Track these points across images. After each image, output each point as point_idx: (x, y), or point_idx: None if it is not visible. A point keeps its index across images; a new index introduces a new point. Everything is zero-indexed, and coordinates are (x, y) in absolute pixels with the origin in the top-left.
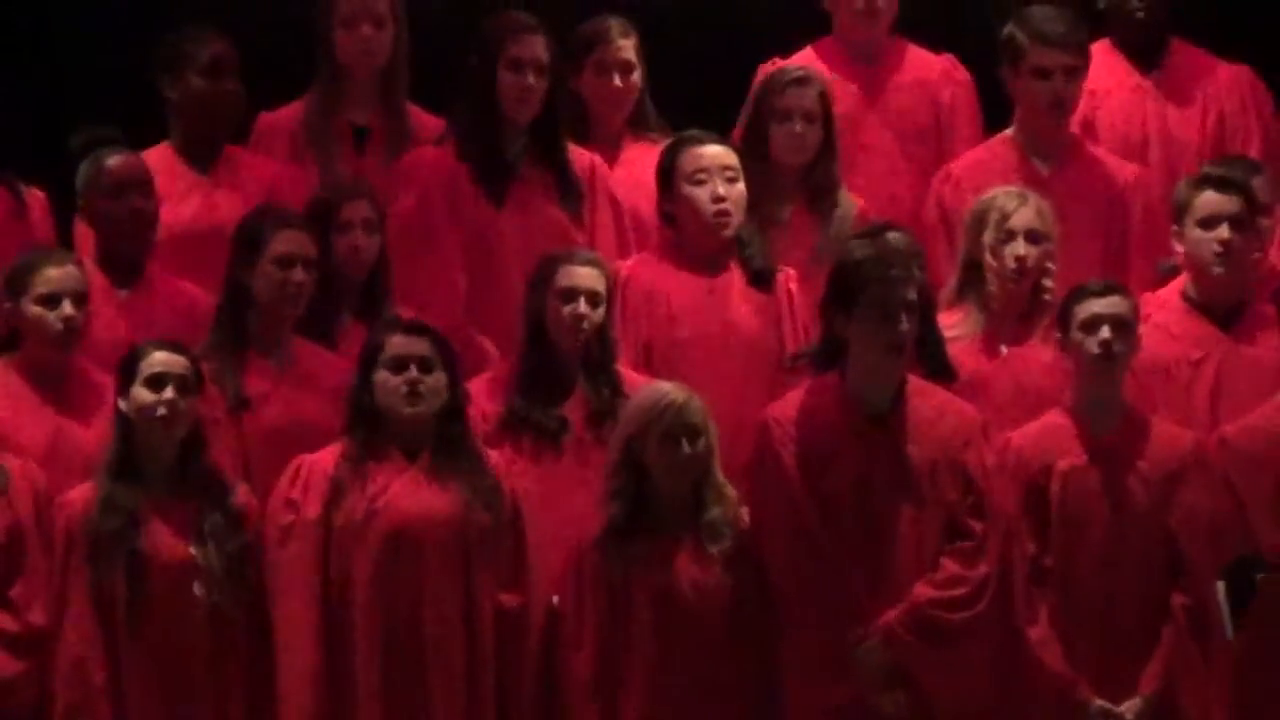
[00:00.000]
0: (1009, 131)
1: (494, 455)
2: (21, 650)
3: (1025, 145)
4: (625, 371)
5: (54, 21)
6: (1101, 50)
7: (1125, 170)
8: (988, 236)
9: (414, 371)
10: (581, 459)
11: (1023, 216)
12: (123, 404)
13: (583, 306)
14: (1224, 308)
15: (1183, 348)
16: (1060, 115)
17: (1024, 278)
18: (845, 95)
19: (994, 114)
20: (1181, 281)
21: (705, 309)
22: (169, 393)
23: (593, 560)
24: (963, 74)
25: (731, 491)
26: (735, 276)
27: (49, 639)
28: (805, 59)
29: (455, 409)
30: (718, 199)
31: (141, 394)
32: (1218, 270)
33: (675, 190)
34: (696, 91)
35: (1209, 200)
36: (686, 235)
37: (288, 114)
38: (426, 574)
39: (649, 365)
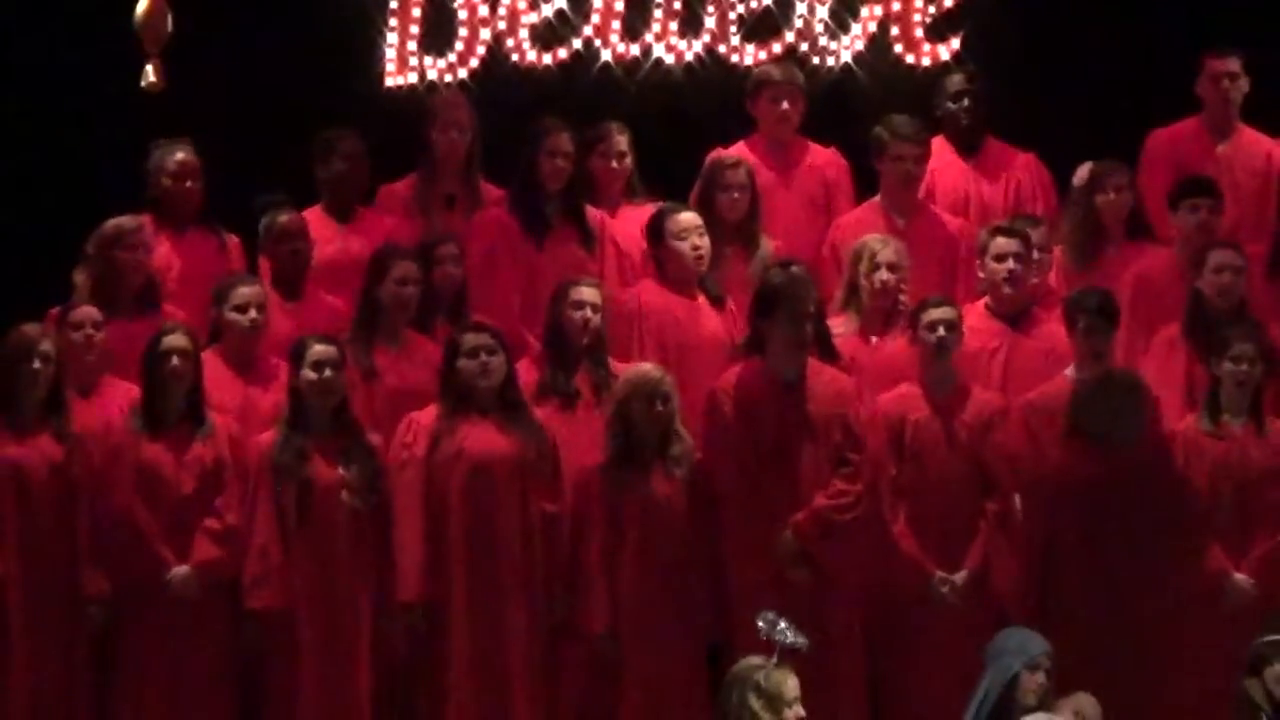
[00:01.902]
0: (876, 198)
1: (538, 410)
2: (222, 542)
3: (888, 207)
4: (611, 360)
5: (241, 122)
6: (938, 143)
7: (954, 223)
8: (862, 267)
9: (483, 357)
10: (588, 415)
11: (885, 254)
12: (294, 379)
13: (588, 313)
14: (1011, 313)
15: (986, 340)
16: (911, 187)
17: (886, 294)
18: (765, 173)
19: (863, 186)
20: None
21: (688, 319)
22: (327, 372)
23: (597, 481)
24: (841, 160)
25: (688, 436)
26: (702, 299)
27: (242, 534)
28: (739, 150)
29: (511, 381)
30: (696, 249)
31: (308, 374)
32: (1006, 290)
33: (665, 244)
34: (666, 170)
35: (999, 243)
36: (671, 272)
37: (401, 185)
38: (496, 492)
39: (664, 356)
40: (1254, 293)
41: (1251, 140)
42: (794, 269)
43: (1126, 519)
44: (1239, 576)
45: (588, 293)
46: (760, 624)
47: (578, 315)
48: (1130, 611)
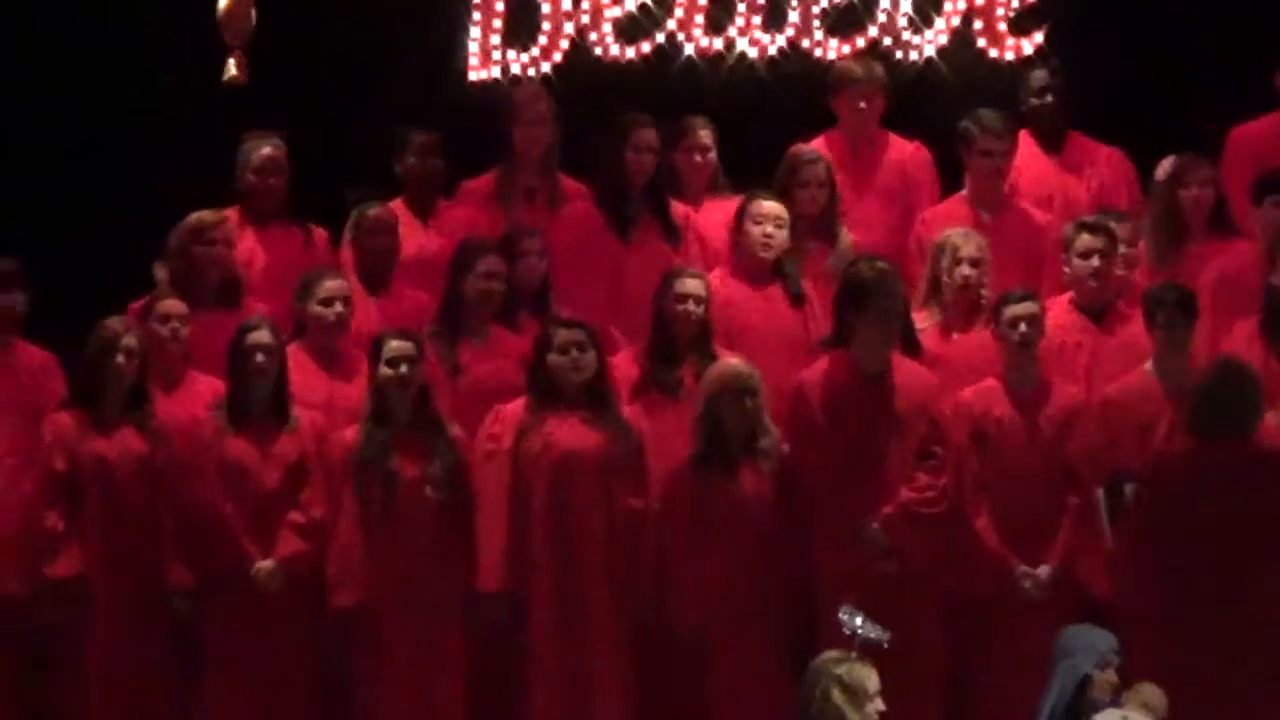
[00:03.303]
0: (963, 192)
1: (626, 407)
2: (307, 535)
3: (974, 201)
4: (719, 349)
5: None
6: (1023, 138)
7: (1040, 218)
8: (945, 262)
9: (575, 353)
10: (692, 407)
11: (967, 249)
12: (374, 375)
13: (691, 306)
14: (1096, 309)
15: (1070, 335)
16: (998, 181)
17: (968, 290)
18: (845, 168)
19: (945, 179)
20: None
21: (756, 310)
22: (404, 368)
23: (686, 477)
24: (925, 154)
25: (775, 430)
26: (778, 289)
27: (326, 528)
28: (819, 145)
29: (600, 376)
30: (767, 236)
31: (385, 370)
32: (1091, 285)
33: (742, 227)
34: (749, 165)
35: (1084, 239)
36: (742, 260)
37: (482, 180)
38: (581, 486)
39: (727, 346)
40: None
41: None
42: (881, 264)
43: (1243, 513)
44: None
45: (692, 284)
46: (842, 617)
47: (681, 308)
48: (1242, 608)
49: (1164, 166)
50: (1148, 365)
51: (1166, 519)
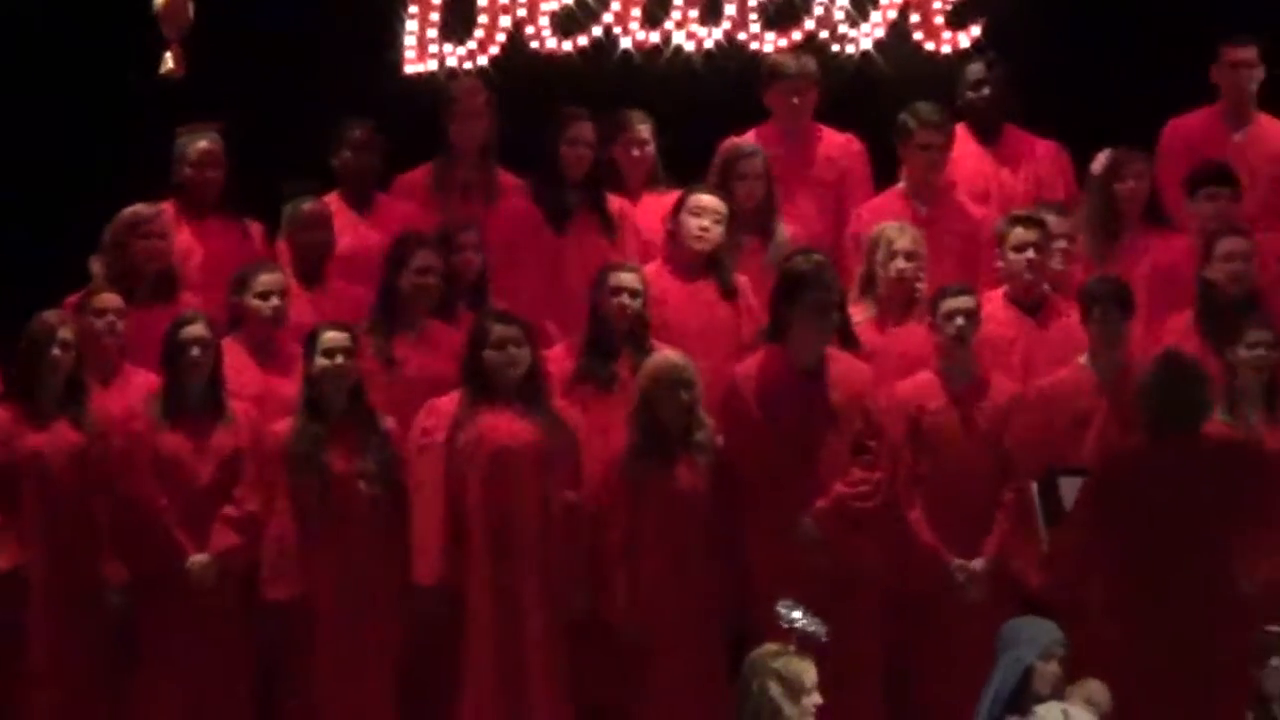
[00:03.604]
0: (899, 186)
1: (563, 400)
2: (242, 529)
3: (911, 194)
4: (656, 343)
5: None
6: (959, 131)
7: (977, 211)
8: (879, 255)
9: (510, 349)
10: (626, 401)
11: (902, 243)
12: (309, 367)
13: (626, 299)
14: (1030, 303)
15: (1004, 329)
16: (935, 174)
17: (903, 283)
18: (778, 161)
19: (883, 173)
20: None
21: (687, 303)
22: (339, 359)
23: (621, 470)
24: (858, 146)
25: (710, 423)
26: (711, 283)
27: (260, 522)
28: (752, 137)
29: (535, 371)
30: (702, 229)
31: (321, 360)
32: (1025, 278)
33: (677, 218)
34: (685, 158)
35: (1018, 233)
36: (676, 253)
37: (418, 173)
38: (516, 479)
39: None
40: (1274, 282)
41: (1268, 128)
42: (817, 257)
43: (1191, 508)
44: (1256, 564)
45: (627, 278)
46: (780, 611)
47: (616, 301)
48: (1189, 603)
49: (1100, 160)
50: (1083, 359)
51: (1114, 514)
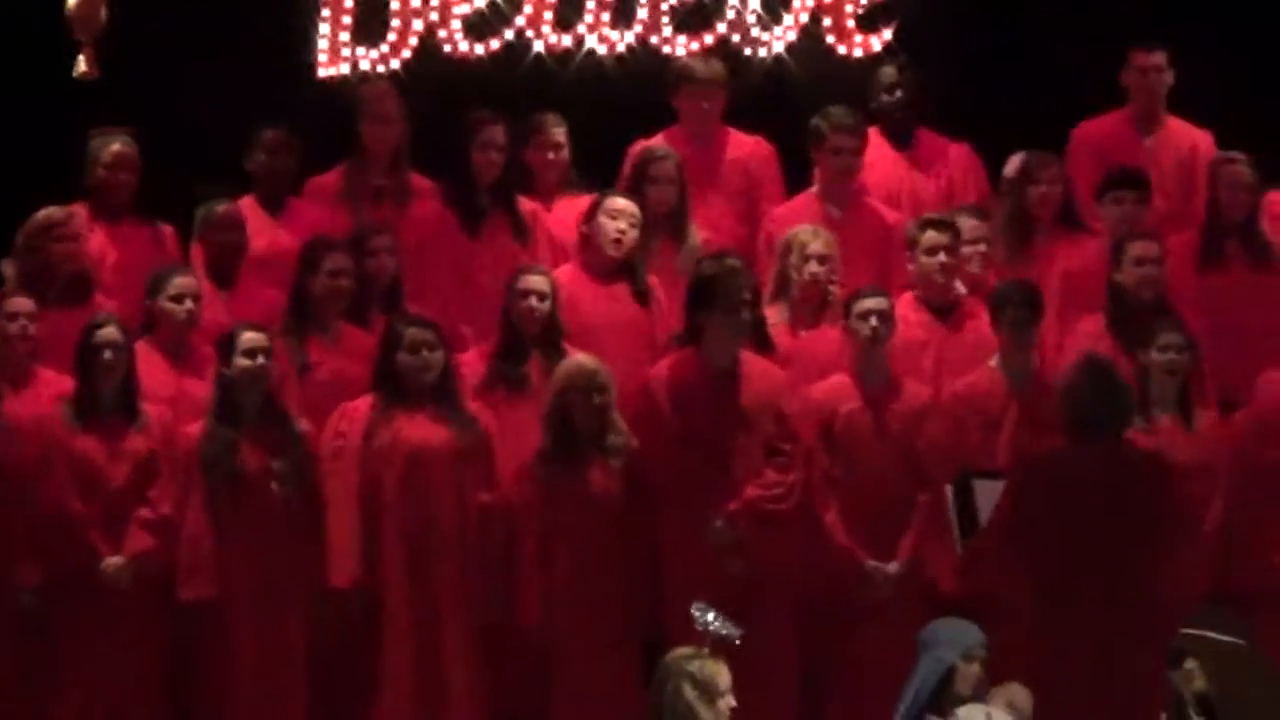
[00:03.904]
0: (813, 189)
1: (476, 403)
2: (157, 531)
3: (824, 198)
4: (568, 346)
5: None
6: (871, 135)
7: (890, 215)
8: (792, 259)
9: (424, 353)
10: (538, 404)
11: (815, 246)
12: (224, 369)
13: (535, 302)
14: (941, 306)
15: (915, 333)
16: (848, 178)
17: (816, 286)
18: (688, 164)
19: (798, 176)
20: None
21: (601, 306)
22: (259, 359)
23: (534, 473)
24: (767, 149)
25: (624, 426)
26: (624, 286)
27: (175, 525)
28: (661, 140)
29: (448, 374)
30: (618, 232)
31: (242, 360)
32: (937, 281)
33: (592, 221)
34: (598, 161)
35: (929, 236)
36: (590, 256)
37: (329, 177)
38: (431, 483)
39: (572, 342)
40: (1183, 285)
41: (1178, 131)
42: (729, 260)
43: (1114, 512)
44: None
45: (536, 281)
46: (694, 614)
47: (525, 304)
48: (1109, 608)
49: (1013, 164)
50: (993, 362)
51: (1033, 518)
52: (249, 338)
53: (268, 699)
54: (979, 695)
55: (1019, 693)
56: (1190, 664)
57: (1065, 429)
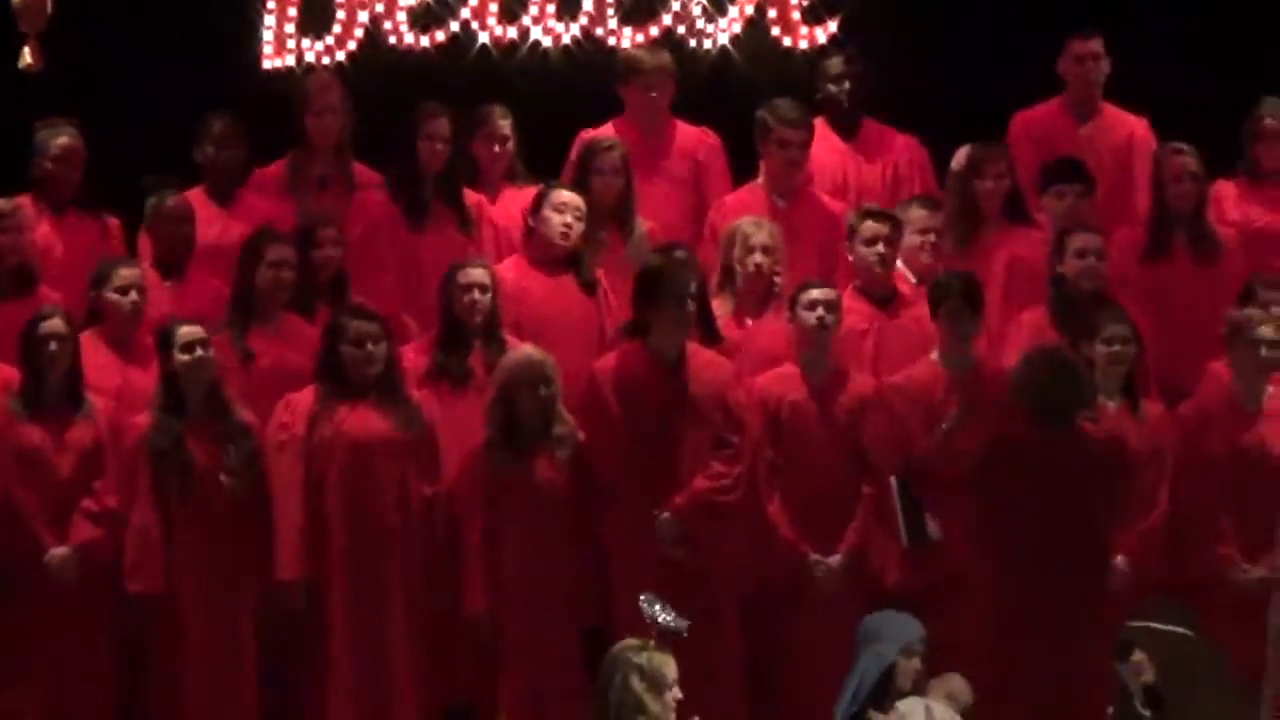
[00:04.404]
0: (758, 180)
1: (419, 394)
2: (102, 522)
3: (770, 189)
4: (509, 337)
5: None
6: (817, 125)
7: (835, 206)
8: (736, 250)
9: (368, 346)
10: (482, 396)
11: (759, 237)
12: (165, 363)
13: (476, 295)
14: (881, 296)
15: (856, 323)
16: (794, 170)
17: (760, 277)
18: (635, 155)
19: (743, 167)
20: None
21: (549, 298)
22: (198, 352)
23: (480, 464)
24: (714, 140)
25: (569, 418)
26: (571, 278)
27: (121, 516)
28: (608, 131)
29: (392, 366)
30: (566, 225)
31: (180, 356)
32: (877, 271)
33: (539, 214)
34: (543, 153)
35: (869, 226)
36: (537, 248)
37: (274, 169)
38: (374, 473)
39: (519, 334)
40: (1129, 276)
41: (1114, 119)
42: (676, 252)
43: (1066, 502)
44: (1118, 559)
45: (476, 274)
46: (641, 605)
47: (467, 297)
48: (1058, 597)
49: (960, 156)
50: (934, 354)
51: (995, 505)
52: (185, 332)
53: (218, 690)
54: (918, 688)
55: (958, 684)
56: (1139, 655)
57: (1025, 418)
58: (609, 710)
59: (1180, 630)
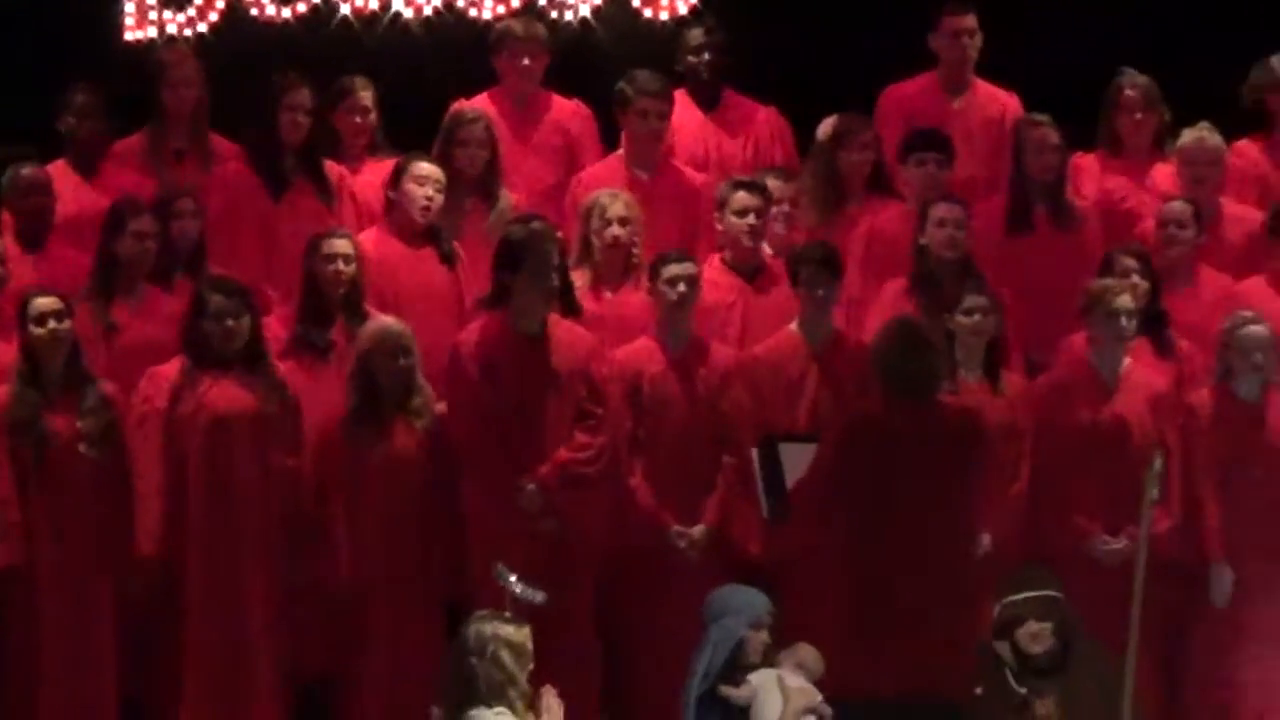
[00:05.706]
0: (619, 153)
1: (281, 366)
2: None
3: (631, 162)
4: (370, 309)
5: None
6: (679, 97)
7: (697, 178)
8: (593, 223)
9: (229, 322)
10: (343, 367)
11: (615, 209)
12: (23, 335)
13: (340, 265)
14: (748, 269)
15: (723, 295)
16: (655, 142)
17: (618, 249)
18: (507, 127)
19: (605, 140)
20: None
21: (408, 269)
22: (52, 323)
23: (339, 435)
24: (586, 112)
25: (429, 389)
26: (431, 249)
27: None
28: (481, 102)
29: (255, 338)
30: (426, 199)
31: (34, 328)
32: (745, 243)
33: (400, 187)
34: (405, 125)
35: (739, 197)
36: (397, 220)
37: (132, 141)
38: (236, 446)
39: (380, 306)
40: (992, 248)
41: (986, 94)
42: (535, 224)
43: (926, 473)
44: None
45: (340, 244)
46: (497, 576)
47: (330, 268)
48: (920, 569)
49: (824, 127)
50: (793, 325)
51: (852, 477)
52: (41, 304)
53: (76, 665)
54: (768, 660)
55: (807, 653)
56: (1035, 627)
57: (880, 390)
58: (477, 684)
59: (1051, 593)
